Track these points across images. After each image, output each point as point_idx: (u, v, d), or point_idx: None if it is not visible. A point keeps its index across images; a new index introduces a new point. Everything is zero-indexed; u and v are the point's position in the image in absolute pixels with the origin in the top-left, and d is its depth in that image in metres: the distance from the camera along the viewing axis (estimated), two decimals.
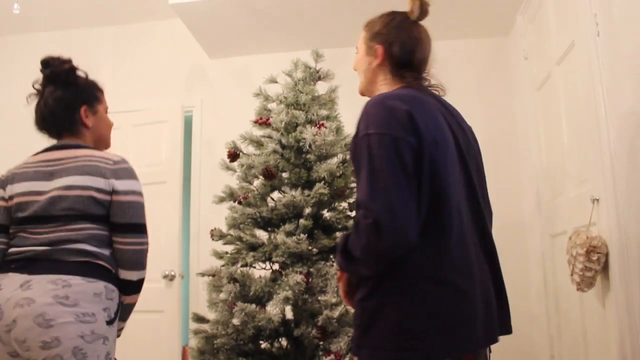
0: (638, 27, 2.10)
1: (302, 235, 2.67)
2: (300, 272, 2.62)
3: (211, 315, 2.85)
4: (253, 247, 2.84)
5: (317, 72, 3.13)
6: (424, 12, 1.65)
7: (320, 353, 2.64)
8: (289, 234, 2.71)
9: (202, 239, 4.14)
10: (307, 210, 2.82)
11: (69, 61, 1.98)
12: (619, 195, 2.28)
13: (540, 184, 3.48)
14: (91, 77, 2.08)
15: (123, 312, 1.91)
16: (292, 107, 3.03)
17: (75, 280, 1.71)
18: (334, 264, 2.73)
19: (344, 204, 2.97)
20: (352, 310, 2.24)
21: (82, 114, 1.97)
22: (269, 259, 2.80)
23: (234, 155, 3.05)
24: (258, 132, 3.08)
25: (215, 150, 4.26)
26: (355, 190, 2.70)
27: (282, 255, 2.67)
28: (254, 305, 2.59)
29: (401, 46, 1.63)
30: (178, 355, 3.86)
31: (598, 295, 2.47)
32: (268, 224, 2.92)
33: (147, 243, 1.89)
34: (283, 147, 2.96)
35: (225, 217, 2.97)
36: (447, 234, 1.38)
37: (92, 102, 2.01)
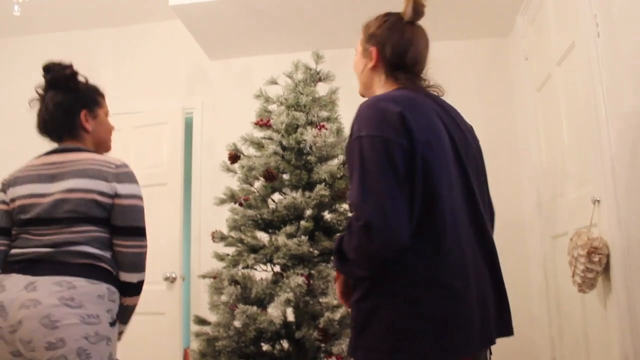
0: (638, 28, 2.10)
1: (303, 237, 2.67)
2: (302, 274, 2.63)
3: (212, 317, 2.85)
4: (254, 249, 2.84)
5: (318, 73, 3.13)
6: (418, 12, 1.63)
7: (322, 355, 2.64)
8: (290, 235, 2.71)
9: (203, 241, 4.14)
10: (308, 212, 2.82)
11: (70, 66, 2.01)
12: (620, 196, 2.27)
13: (540, 185, 3.48)
14: (92, 80, 2.11)
15: (124, 315, 1.93)
16: (293, 108, 3.03)
17: (80, 282, 1.74)
18: None
19: (345, 206, 2.97)
20: None
21: (82, 118, 2.00)
22: (270, 261, 2.80)
23: (234, 157, 3.05)
24: (259, 134, 3.08)
25: (216, 151, 4.26)
26: None
27: (283, 257, 2.67)
28: (255, 308, 2.59)
29: (393, 48, 1.62)
30: (179, 357, 3.86)
31: (599, 296, 2.47)
32: (269, 226, 2.93)
33: (146, 246, 1.93)
34: (284, 148, 2.96)
35: (226, 219, 2.97)
36: (441, 235, 1.37)
37: (92, 107, 2.04)
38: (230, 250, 2.98)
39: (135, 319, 2.04)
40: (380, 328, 1.38)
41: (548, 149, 3.33)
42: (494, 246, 1.53)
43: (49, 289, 1.69)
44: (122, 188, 1.88)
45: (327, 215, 2.93)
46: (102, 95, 2.10)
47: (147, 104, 4.53)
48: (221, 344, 2.64)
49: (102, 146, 2.09)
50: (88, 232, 1.84)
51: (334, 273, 2.63)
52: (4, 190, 1.95)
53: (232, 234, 2.95)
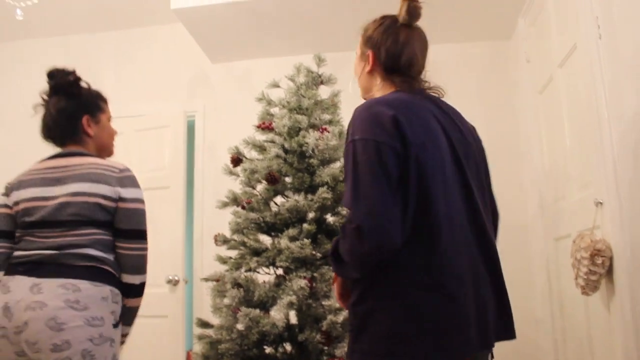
0: (639, 29, 2.10)
1: (305, 239, 2.67)
2: (304, 277, 2.63)
3: (215, 320, 2.85)
4: (257, 252, 2.84)
5: (320, 76, 3.13)
6: (413, 14, 1.62)
7: (325, 358, 2.64)
8: (293, 238, 2.71)
9: (205, 244, 4.14)
10: (311, 215, 2.82)
11: (73, 72, 2.05)
12: (623, 198, 2.27)
13: (542, 187, 3.48)
14: (93, 84, 2.15)
15: (128, 316, 1.97)
16: (295, 111, 3.03)
17: (84, 284, 1.78)
18: None
19: None
20: None
21: (84, 123, 2.04)
22: (273, 263, 2.80)
23: (237, 160, 3.05)
24: (261, 137, 3.09)
25: (218, 155, 4.26)
26: None
27: (286, 260, 2.67)
28: (258, 310, 2.59)
29: (387, 51, 1.62)
30: None
31: (603, 298, 2.46)
32: (271, 229, 2.93)
33: (147, 248, 1.97)
34: (286, 151, 2.97)
35: (228, 222, 2.97)
36: (436, 237, 1.37)
37: (95, 112, 2.08)
38: (233, 253, 2.98)
39: (138, 322, 2.06)
40: (375, 331, 1.38)
41: (550, 151, 3.33)
42: (494, 248, 1.52)
43: (54, 292, 1.73)
44: (126, 192, 1.92)
45: (330, 218, 2.93)
46: (104, 101, 2.14)
47: (149, 107, 4.54)
48: (224, 346, 2.64)
49: (104, 151, 2.13)
50: (91, 234, 1.87)
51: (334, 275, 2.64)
52: (8, 194, 1.98)
53: (235, 237, 2.95)
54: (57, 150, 2.05)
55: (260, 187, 3.02)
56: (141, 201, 1.97)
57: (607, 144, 2.37)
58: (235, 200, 3.01)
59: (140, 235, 1.94)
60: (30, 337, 1.69)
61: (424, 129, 1.44)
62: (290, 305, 2.55)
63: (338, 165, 2.93)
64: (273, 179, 2.87)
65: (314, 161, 2.87)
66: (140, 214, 1.95)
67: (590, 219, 2.49)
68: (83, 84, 2.09)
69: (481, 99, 4.11)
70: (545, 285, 3.43)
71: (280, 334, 2.64)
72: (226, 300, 2.79)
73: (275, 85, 3.16)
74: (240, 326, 2.66)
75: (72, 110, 2.02)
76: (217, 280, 2.89)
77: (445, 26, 3.97)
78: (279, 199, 3.00)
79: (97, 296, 1.79)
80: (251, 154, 3.10)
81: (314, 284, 2.65)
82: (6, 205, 1.97)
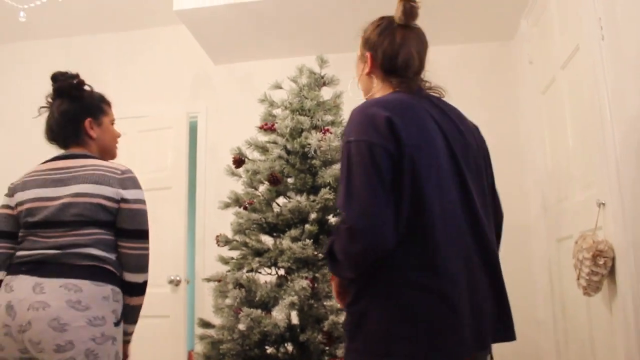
0: None
1: (307, 240, 2.67)
2: (306, 278, 2.63)
3: (217, 320, 2.85)
4: (258, 252, 2.84)
5: (322, 77, 3.13)
6: (409, 14, 1.62)
7: (326, 358, 2.64)
8: (295, 239, 2.71)
9: (207, 245, 4.14)
10: (313, 216, 2.82)
11: (76, 76, 2.10)
12: (625, 199, 2.27)
13: (545, 188, 3.48)
14: (96, 84, 2.19)
15: (131, 314, 2.00)
16: (297, 112, 3.04)
17: (85, 284, 1.81)
18: None
19: None
20: None
21: (86, 125, 2.07)
22: (275, 264, 2.80)
23: (239, 161, 3.06)
24: (263, 138, 3.09)
25: (220, 156, 4.27)
26: None
27: (288, 260, 2.67)
28: (259, 311, 2.59)
29: (383, 52, 1.62)
30: None
31: (605, 299, 2.46)
32: (273, 230, 2.93)
33: (149, 248, 2.01)
34: (288, 152, 2.97)
35: (230, 223, 2.97)
36: (430, 239, 1.37)
37: (97, 115, 2.12)
38: (235, 254, 2.98)
39: (139, 322, 2.07)
40: (369, 331, 1.39)
41: (553, 152, 3.33)
42: (492, 249, 1.51)
43: (56, 292, 1.76)
44: (128, 193, 1.96)
45: (332, 219, 2.93)
46: (107, 104, 2.18)
47: (151, 109, 4.55)
48: (225, 347, 2.65)
49: (107, 153, 2.16)
50: (93, 234, 1.90)
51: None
52: (11, 195, 2.01)
53: (237, 237, 2.95)
54: (60, 152, 2.09)
55: (263, 188, 3.02)
56: (143, 202, 2.00)
57: (610, 145, 2.36)
58: (237, 201, 3.01)
59: (142, 235, 1.97)
60: (34, 337, 1.72)
61: (419, 130, 1.44)
62: (292, 305, 2.55)
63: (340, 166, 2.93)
64: (275, 180, 2.87)
65: (316, 162, 2.87)
66: (142, 214, 1.98)
67: (593, 219, 2.49)
68: (86, 87, 2.13)
69: (484, 99, 4.11)
70: (547, 286, 3.42)
71: (281, 334, 2.64)
72: (228, 301, 2.79)
73: (278, 87, 3.16)
74: (241, 326, 2.66)
75: (74, 113, 2.06)
76: (219, 281, 2.89)
77: (448, 27, 3.97)
78: (281, 200, 3.00)
79: (99, 296, 1.82)
80: (253, 155, 3.11)
81: (315, 285, 2.65)
82: (8, 206, 2.01)
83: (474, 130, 1.65)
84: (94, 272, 1.85)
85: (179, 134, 4.21)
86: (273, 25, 4.02)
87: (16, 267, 1.87)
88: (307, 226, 2.72)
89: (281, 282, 2.75)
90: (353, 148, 1.41)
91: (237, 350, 2.65)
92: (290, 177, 2.96)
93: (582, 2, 2.59)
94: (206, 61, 4.56)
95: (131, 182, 2.00)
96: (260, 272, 2.85)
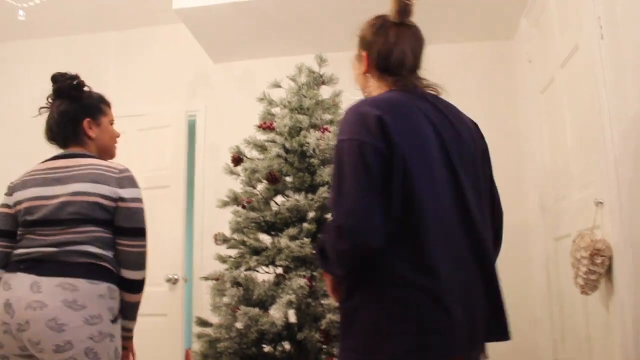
0: None
1: (305, 239, 2.67)
2: (304, 276, 2.63)
3: (214, 319, 2.85)
4: (256, 251, 2.84)
5: (321, 76, 3.13)
6: (403, 12, 1.61)
7: (324, 357, 2.64)
8: (293, 237, 2.71)
9: (205, 243, 4.14)
10: (311, 214, 2.82)
11: (75, 77, 2.13)
12: (623, 198, 2.27)
13: (544, 187, 3.48)
14: (96, 85, 2.23)
15: (130, 311, 2.02)
16: (296, 111, 3.04)
17: (81, 283, 1.82)
18: None
19: None
20: None
21: (85, 125, 2.10)
22: (273, 262, 2.80)
23: (237, 160, 3.06)
24: (262, 137, 3.09)
25: (219, 154, 4.27)
26: None
27: (286, 259, 2.67)
28: (257, 309, 2.59)
29: (378, 51, 1.62)
30: (181, 358, 3.86)
31: (602, 298, 2.46)
32: (272, 228, 2.93)
33: (147, 245, 2.03)
34: (287, 151, 2.97)
35: (228, 221, 2.97)
36: (422, 237, 1.37)
37: (96, 115, 2.14)
38: (233, 252, 2.98)
39: (137, 320, 2.08)
40: (360, 328, 1.40)
41: (552, 151, 3.33)
42: (487, 247, 1.50)
43: (52, 291, 1.78)
44: (125, 192, 1.98)
45: (330, 218, 2.92)
46: (107, 104, 2.21)
47: (150, 107, 4.54)
48: (223, 345, 2.65)
49: (106, 152, 2.19)
50: (90, 232, 1.92)
51: None
52: (11, 194, 2.04)
53: (235, 236, 2.95)
54: (60, 151, 2.11)
55: (261, 187, 3.02)
56: (140, 200, 2.02)
57: (608, 144, 2.36)
58: (235, 200, 3.01)
59: (140, 232, 1.99)
60: (33, 337, 1.75)
61: (411, 128, 1.44)
62: (290, 304, 2.56)
63: None
64: (273, 179, 2.87)
65: (314, 161, 2.87)
66: (140, 213, 2.01)
67: (591, 218, 2.49)
68: (85, 88, 2.15)
69: (483, 98, 4.11)
70: (545, 285, 3.43)
71: (279, 332, 2.64)
72: (225, 299, 2.79)
73: (277, 85, 3.16)
74: (239, 325, 2.66)
75: (73, 113, 2.09)
76: (217, 279, 2.90)
77: (448, 26, 3.97)
78: (279, 199, 3.00)
79: (94, 294, 1.84)
80: (252, 153, 3.10)
81: (313, 283, 2.65)
82: (7, 205, 2.04)
83: (472, 127, 1.64)
84: (91, 269, 1.87)
85: (177, 132, 4.21)
86: (272, 24, 4.02)
87: (14, 265, 1.89)
88: (305, 225, 2.72)
89: (279, 280, 2.75)
90: (344, 147, 1.42)
91: (235, 348, 2.65)
92: (288, 175, 2.96)
93: (582, 1, 2.60)
94: (205, 60, 4.56)
95: (128, 181, 2.01)
96: (258, 271, 2.86)
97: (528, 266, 3.77)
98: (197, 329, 2.91)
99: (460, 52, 4.23)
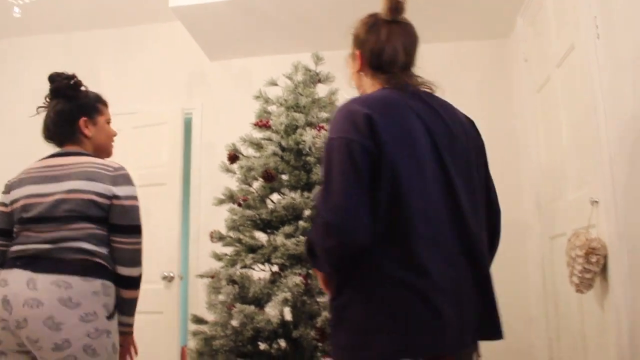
0: (638, 29, 2.10)
1: (301, 237, 2.67)
2: (299, 274, 2.63)
3: (210, 316, 2.85)
4: (252, 248, 2.84)
5: (317, 74, 3.13)
6: (395, 10, 1.61)
7: (319, 354, 2.64)
8: (288, 235, 2.71)
9: (201, 241, 4.14)
10: (307, 213, 2.82)
11: (72, 77, 2.16)
12: (618, 197, 2.28)
13: (540, 186, 3.49)
14: (92, 82, 2.27)
15: (128, 307, 2.04)
16: (292, 109, 3.03)
17: (75, 280, 1.85)
18: None
19: None
20: None
21: (81, 124, 2.13)
22: (268, 260, 2.80)
23: (233, 158, 3.06)
24: (258, 135, 3.09)
25: (215, 152, 4.26)
26: None
27: (281, 257, 2.67)
28: (252, 307, 2.59)
29: (370, 50, 1.62)
30: (177, 356, 3.86)
31: (597, 297, 2.47)
32: (267, 226, 2.93)
33: (142, 242, 2.05)
34: (283, 149, 2.97)
35: (224, 219, 2.97)
36: (410, 235, 1.37)
37: (92, 114, 2.17)
38: (229, 250, 2.98)
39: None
40: (349, 327, 1.40)
41: (547, 151, 3.34)
42: (479, 246, 1.49)
43: (48, 289, 1.81)
44: (120, 190, 2.00)
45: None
46: (103, 103, 2.24)
47: (146, 105, 4.54)
48: (218, 343, 2.64)
49: (102, 151, 2.21)
50: (85, 229, 1.94)
51: None
52: (8, 192, 2.07)
53: (231, 233, 2.95)
54: (57, 149, 2.14)
55: (257, 185, 3.02)
56: (135, 198, 2.05)
57: (604, 144, 2.37)
58: (231, 198, 3.01)
59: (135, 230, 2.01)
60: (31, 334, 1.78)
61: (400, 126, 1.44)
62: (285, 301, 2.56)
63: None
64: (269, 177, 2.87)
65: (310, 159, 2.87)
66: (135, 210, 2.03)
67: (586, 217, 2.50)
68: (82, 88, 2.18)
69: (479, 97, 4.12)
70: (540, 283, 3.44)
71: (274, 330, 2.64)
72: (221, 297, 2.79)
73: (273, 83, 3.16)
74: (234, 322, 2.66)
75: (70, 113, 2.12)
76: (212, 277, 2.89)
77: (444, 25, 3.97)
78: (275, 197, 3.00)
79: (88, 291, 1.86)
80: (248, 151, 3.10)
81: (308, 281, 2.65)
82: (4, 204, 2.07)
83: (466, 124, 1.63)
84: (84, 266, 1.89)
85: (174, 130, 4.21)
86: (269, 22, 4.02)
87: (11, 262, 1.91)
88: (301, 223, 2.73)
89: (274, 278, 2.75)
90: (334, 145, 1.42)
91: (230, 346, 2.65)
92: (284, 173, 2.96)
93: (578, 1, 2.60)
94: (202, 57, 4.56)
95: (123, 178, 2.04)
96: (253, 269, 2.86)
97: (524, 265, 3.78)
98: (192, 327, 2.91)
99: (457, 51, 4.24)
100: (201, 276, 3.00)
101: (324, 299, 2.67)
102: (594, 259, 2.32)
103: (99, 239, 1.96)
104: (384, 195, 1.37)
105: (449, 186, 1.47)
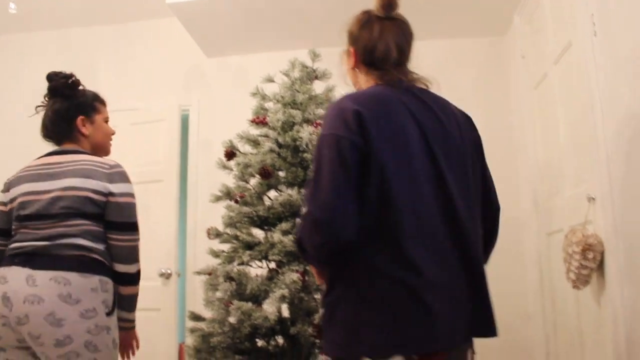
0: (635, 27, 2.10)
1: None
2: (297, 271, 2.63)
3: (207, 313, 2.85)
4: (249, 245, 2.84)
5: (314, 71, 3.13)
6: (388, 6, 1.61)
7: (317, 351, 2.65)
8: (286, 232, 2.71)
9: (198, 238, 4.14)
10: (304, 209, 2.82)
11: (70, 76, 2.18)
12: (615, 194, 2.28)
13: (537, 183, 3.49)
14: (89, 78, 2.29)
15: (127, 303, 2.06)
16: (289, 106, 3.03)
17: (73, 277, 1.86)
18: None
19: None
20: None
21: (78, 123, 2.14)
22: (265, 257, 2.80)
23: (230, 154, 3.05)
24: (255, 131, 3.08)
25: (212, 149, 4.25)
26: None
27: (279, 253, 2.67)
28: (250, 304, 2.59)
29: (364, 46, 1.63)
30: (174, 353, 3.87)
31: (593, 293, 2.48)
32: (264, 223, 2.93)
33: (139, 239, 2.07)
34: (280, 146, 2.97)
35: (221, 216, 2.97)
36: (399, 232, 1.37)
37: (90, 113, 2.19)
38: (226, 247, 2.98)
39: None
40: (340, 322, 1.41)
41: (545, 147, 3.34)
42: (472, 243, 1.48)
43: (47, 285, 1.82)
44: (115, 187, 2.02)
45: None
46: (101, 102, 2.25)
47: (143, 101, 4.53)
48: (216, 339, 2.65)
49: (100, 150, 2.23)
50: (81, 225, 1.96)
51: None
52: (7, 190, 2.09)
53: (228, 230, 2.95)
54: (54, 147, 2.16)
55: (254, 181, 3.02)
56: (130, 195, 2.06)
57: (601, 141, 2.37)
58: (228, 194, 3.01)
59: (130, 227, 2.03)
60: (33, 331, 1.80)
61: (390, 123, 1.45)
62: (283, 298, 2.55)
63: None
64: (266, 173, 2.87)
65: (307, 156, 2.87)
66: (130, 207, 2.04)
67: (583, 214, 2.50)
68: (80, 87, 2.20)
69: (476, 94, 4.12)
70: (537, 279, 3.44)
71: (272, 327, 2.64)
72: (218, 294, 2.78)
73: (270, 80, 3.15)
74: (232, 319, 2.66)
75: (67, 111, 2.13)
76: (210, 274, 2.89)
77: (441, 22, 3.96)
78: (272, 193, 3.00)
79: (87, 287, 1.88)
80: (245, 148, 3.10)
81: (306, 278, 2.65)
82: (3, 203, 2.09)
83: (461, 118, 1.62)
84: (82, 262, 1.91)
85: (170, 127, 4.20)
86: (266, 19, 4.01)
87: (9, 259, 1.93)
88: (298, 219, 2.72)
89: (272, 275, 2.74)
90: (323, 142, 1.43)
91: (228, 343, 2.65)
92: (281, 170, 2.96)
93: None
94: (199, 54, 4.54)
95: (119, 176, 2.05)
96: (251, 265, 2.86)
97: (521, 261, 3.79)
98: (190, 324, 2.91)
99: (454, 48, 4.23)
100: (198, 273, 3.00)
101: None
102: (590, 255, 2.33)
103: (95, 236, 1.97)
104: (373, 191, 1.38)
105: (441, 182, 1.46)
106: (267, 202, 2.94)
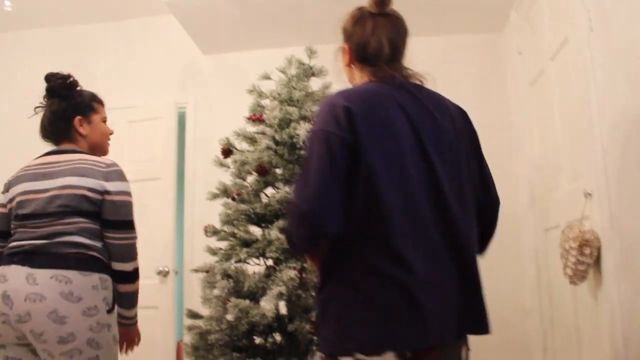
0: (631, 23, 2.10)
1: None
2: (294, 268, 2.63)
3: (205, 311, 2.85)
4: (247, 243, 2.84)
5: (311, 68, 3.12)
6: (381, 2, 1.61)
7: (314, 348, 2.65)
8: (283, 229, 2.71)
9: (196, 235, 4.13)
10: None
11: (68, 76, 2.20)
12: (612, 189, 2.29)
13: (534, 179, 3.50)
14: (86, 78, 2.31)
15: (127, 300, 2.08)
16: (286, 103, 3.03)
17: (73, 275, 1.88)
18: None
19: None
20: None
21: (76, 123, 2.16)
22: (263, 254, 2.80)
23: (227, 152, 3.05)
24: (251, 129, 3.08)
25: (209, 146, 4.23)
26: None
27: (276, 251, 2.68)
28: (247, 301, 2.59)
29: (357, 43, 1.63)
30: (172, 350, 3.87)
31: (590, 288, 2.48)
32: (262, 220, 2.93)
33: (136, 237, 2.08)
34: (277, 143, 2.96)
35: (219, 214, 2.97)
36: (388, 229, 1.37)
37: (87, 113, 2.20)
38: (223, 245, 2.98)
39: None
40: (333, 318, 1.42)
41: (541, 143, 3.35)
42: (464, 240, 1.47)
43: (48, 283, 1.84)
44: (111, 186, 2.03)
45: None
46: (99, 102, 2.27)
47: (140, 99, 4.52)
48: (214, 337, 2.65)
49: (98, 149, 2.24)
50: (78, 223, 1.97)
51: None
52: (7, 190, 2.11)
53: (225, 228, 2.95)
54: (52, 147, 2.17)
55: (251, 179, 3.01)
56: (127, 193, 2.07)
57: (597, 136, 2.38)
58: (225, 192, 3.01)
59: (127, 225, 2.04)
60: (36, 328, 1.81)
61: (380, 118, 1.45)
62: (280, 295, 2.56)
63: None
64: (263, 171, 2.87)
65: (304, 153, 2.86)
66: (126, 206, 2.05)
67: (580, 210, 2.50)
68: (77, 87, 2.22)
69: (473, 90, 4.11)
70: (535, 275, 3.45)
71: (269, 324, 2.64)
72: (216, 291, 2.79)
73: (267, 77, 3.15)
74: (229, 317, 2.67)
75: (64, 112, 2.15)
76: (207, 272, 2.89)
77: (438, 18, 3.96)
78: (269, 191, 3.00)
79: (88, 285, 1.89)
80: (242, 145, 3.10)
81: (303, 275, 2.65)
82: (2, 204, 2.12)
83: (455, 113, 1.61)
84: (81, 260, 1.92)
85: (167, 124, 4.19)
86: (262, 16, 4.00)
87: (8, 258, 1.94)
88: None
89: (269, 272, 2.75)
90: (313, 138, 1.45)
91: (225, 340, 2.66)
92: (278, 167, 2.96)
93: None
94: (195, 51, 4.53)
95: (115, 174, 2.06)
96: (248, 263, 2.86)
97: (518, 257, 3.79)
98: (187, 322, 2.91)
99: (450, 44, 4.23)
100: (196, 271, 3.00)
101: None
102: (587, 250, 2.33)
103: (92, 233, 1.98)
104: (362, 188, 1.39)
105: (432, 178, 1.46)
106: (264, 200, 2.94)
